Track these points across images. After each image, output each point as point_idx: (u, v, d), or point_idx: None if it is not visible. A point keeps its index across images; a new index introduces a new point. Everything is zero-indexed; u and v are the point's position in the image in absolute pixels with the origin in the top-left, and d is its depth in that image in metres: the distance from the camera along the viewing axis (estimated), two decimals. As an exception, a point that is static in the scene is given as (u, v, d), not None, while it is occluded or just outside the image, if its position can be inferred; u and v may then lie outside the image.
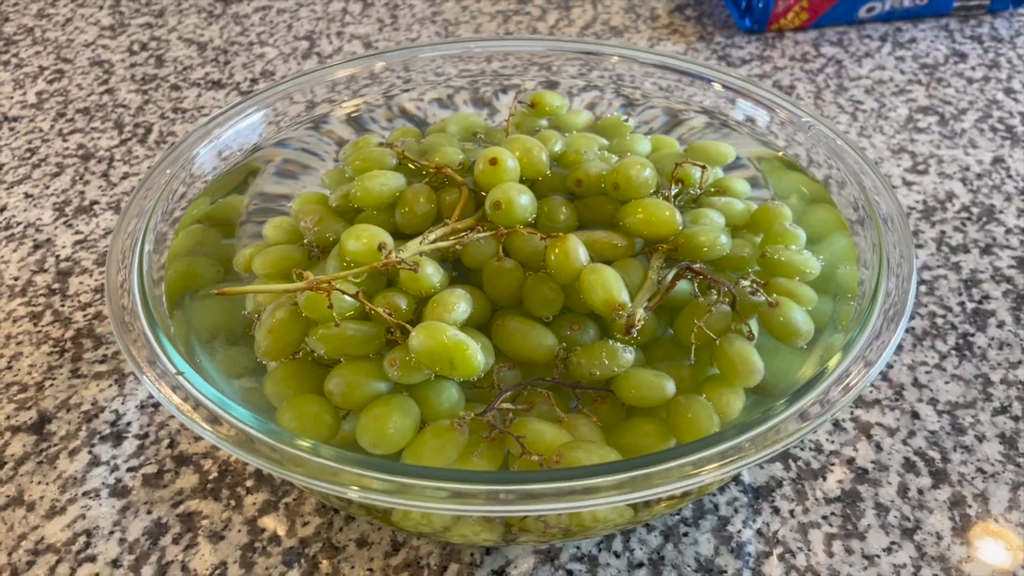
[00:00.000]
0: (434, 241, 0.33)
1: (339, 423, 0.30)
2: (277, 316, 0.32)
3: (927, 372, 0.42)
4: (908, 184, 0.53)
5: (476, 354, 0.30)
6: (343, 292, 0.30)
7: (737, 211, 0.37)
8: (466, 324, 0.31)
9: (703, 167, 0.37)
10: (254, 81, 0.64)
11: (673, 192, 0.37)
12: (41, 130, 0.59)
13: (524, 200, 0.34)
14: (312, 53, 0.67)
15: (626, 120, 0.44)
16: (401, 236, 0.34)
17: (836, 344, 0.32)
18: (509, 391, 0.31)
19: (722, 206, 0.37)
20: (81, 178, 0.55)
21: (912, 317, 0.45)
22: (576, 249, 0.33)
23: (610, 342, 0.31)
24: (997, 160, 0.55)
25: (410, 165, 0.38)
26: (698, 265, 0.33)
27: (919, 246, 0.49)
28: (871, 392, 0.41)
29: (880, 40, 0.67)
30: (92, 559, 0.35)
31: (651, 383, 0.31)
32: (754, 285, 0.33)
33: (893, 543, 0.35)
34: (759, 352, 0.32)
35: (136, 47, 0.68)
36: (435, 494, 0.27)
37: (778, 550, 0.35)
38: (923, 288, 0.46)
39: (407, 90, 0.46)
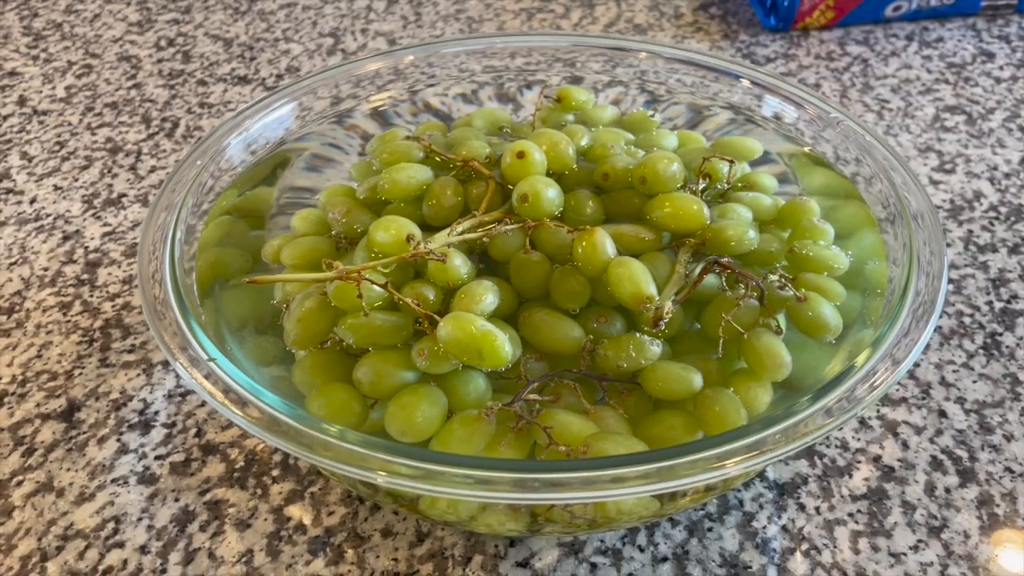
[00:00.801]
0: (462, 233, 0.33)
1: (367, 411, 0.31)
2: (306, 305, 0.32)
3: (954, 371, 0.41)
4: (935, 183, 0.53)
5: (504, 345, 0.30)
6: (372, 282, 0.31)
7: (765, 206, 0.37)
8: (493, 315, 0.32)
9: (731, 162, 0.37)
10: (279, 77, 0.64)
11: (700, 187, 0.37)
12: (70, 124, 0.60)
13: (551, 193, 0.35)
14: (337, 49, 0.67)
15: (652, 116, 0.44)
16: (428, 228, 0.35)
17: (865, 339, 0.32)
18: (536, 382, 0.31)
19: (749, 201, 0.37)
20: (109, 171, 0.55)
21: (940, 316, 0.44)
22: (603, 242, 0.33)
23: (637, 335, 0.31)
24: (1025, 160, 0.54)
25: (436, 158, 0.38)
26: (726, 259, 0.33)
27: (947, 245, 0.48)
28: (898, 390, 0.41)
29: (907, 39, 0.67)
30: (120, 545, 0.35)
31: (678, 376, 0.31)
32: (782, 280, 0.33)
33: (920, 541, 0.35)
34: (787, 347, 0.32)
35: (163, 43, 0.69)
36: (462, 481, 0.27)
37: (803, 546, 0.35)
38: (951, 287, 0.46)
39: (432, 85, 0.47)
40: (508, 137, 0.42)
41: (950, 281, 0.46)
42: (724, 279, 0.33)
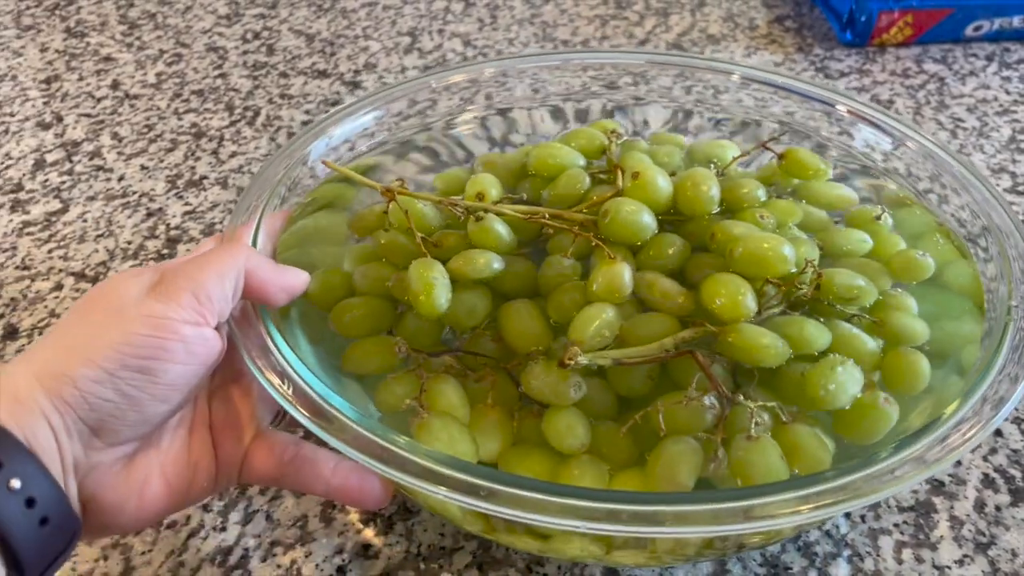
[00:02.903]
0: (507, 204, 0.36)
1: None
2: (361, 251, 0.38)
3: (1013, 391, 0.41)
4: (1006, 204, 0.52)
5: (441, 296, 0.32)
6: (415, 196, 0.36)
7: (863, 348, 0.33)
8: (502, 286, 0.34)
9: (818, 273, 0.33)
10: (357, 72, 0.66)
11: (771, 302, 0.33)
12: (159, 108, 0.63)
13: (645, 219, 0.34)
14: (414, 48, 0.69)
15: (879, 219, 0.38)
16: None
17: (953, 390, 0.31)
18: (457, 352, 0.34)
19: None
20: (193, 154, 0.58)
21: (1001, 336, 0.44)
22: (623, 275, 0.32)
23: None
24: (1103, 185, 0.53)
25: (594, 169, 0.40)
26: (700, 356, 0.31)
27: (1013, 266, 0.48)
28: (953, 406, 0.40)
29: (986, 59, 0.66)
30: (185, 502, 0.37)
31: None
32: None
33: (966, 556, 0.34)
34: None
35: (249, 36, 0.72)
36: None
37: (846, 552, 0.35)
38: (1012, 303, 0.45)
39: (509, 106, 0.47)
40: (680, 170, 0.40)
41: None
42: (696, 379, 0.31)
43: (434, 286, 0.32)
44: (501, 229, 0.35)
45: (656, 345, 0.31)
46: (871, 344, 0.32)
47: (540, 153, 0.39)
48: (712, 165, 0.40)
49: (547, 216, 0.35)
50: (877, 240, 0.37)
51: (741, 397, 0.30)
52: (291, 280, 0.32)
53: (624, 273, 0.33)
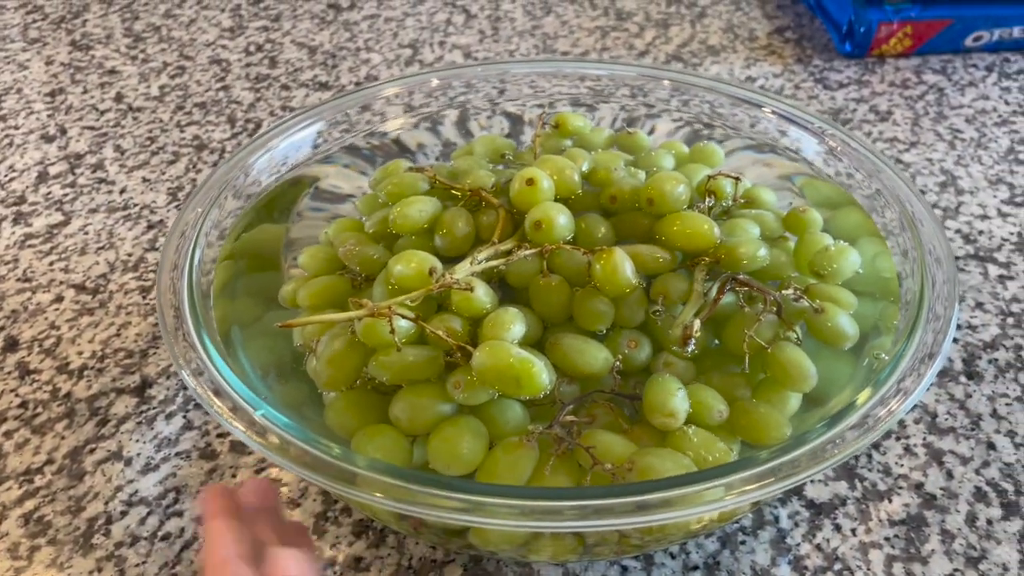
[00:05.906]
0: (484, 261, 0.34)
1: (411, 449, 0.31)
2: (335, 346, 0.32)
3: (1007, 404, 0.41)
4: (1003, 215, 0.52)
5: (542, 372, 0.30)
6: (403, 316, 0.31)
7: (770, 222, 0.38)
8: (521, 343, 0.32)
9: (736, 179, 0.38)
10: (358, 84, 0.67)
11: (708, 205, 0.37)
12: (161, 121, 0.63)
13: (563, 219, 0.35)
14: (415, 60, 0.70)
15: (631, 134, 0.44)
16: (441, 259, 0.35)
17: (883, 345, 0.33)
18: (572, 405, 0.31)
19: (754, 217, 0.38)
20: (194, 166, 0.58)
21: (997, 349, 0.44)
22: (623, 261, 0.33)
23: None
24: (1101, 196, 0.53)
25: (442, 189, 0.39)
26: (742, 276, 0.34)
27: (1010, 278, 0.48)
28: (946, 419, 0.40)
29: (986, 70, 0.66)
30: (179, 514, 0.37)
31: (709, 405, 0.31)
32: (796, 292, 0.33)
33: (956, 570, 0.34)
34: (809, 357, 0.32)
35: (252, 48, 0.72)
36: (509, 512, 0.27)
37: (836, 567, 0.35)
38: (1010, 320, 0.45)
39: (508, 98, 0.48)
40: (510, 164, 0.42)
41: (1010, 315, 0.45)
42: (741, 295, 0.34)
43: (529, 364, 0.30)
44: (483, 291, 0.33)
45: (698, 294, 0.33)
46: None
47: (403, 212, 0.37)
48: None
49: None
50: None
51: (786, 290, 0.34)
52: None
53: (622, 254, 0.34)
